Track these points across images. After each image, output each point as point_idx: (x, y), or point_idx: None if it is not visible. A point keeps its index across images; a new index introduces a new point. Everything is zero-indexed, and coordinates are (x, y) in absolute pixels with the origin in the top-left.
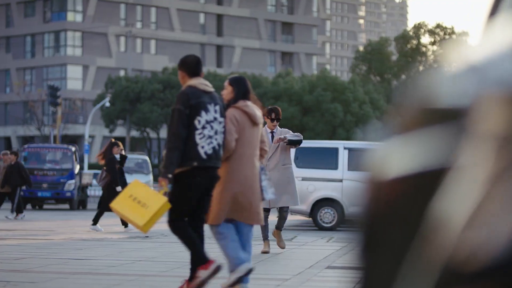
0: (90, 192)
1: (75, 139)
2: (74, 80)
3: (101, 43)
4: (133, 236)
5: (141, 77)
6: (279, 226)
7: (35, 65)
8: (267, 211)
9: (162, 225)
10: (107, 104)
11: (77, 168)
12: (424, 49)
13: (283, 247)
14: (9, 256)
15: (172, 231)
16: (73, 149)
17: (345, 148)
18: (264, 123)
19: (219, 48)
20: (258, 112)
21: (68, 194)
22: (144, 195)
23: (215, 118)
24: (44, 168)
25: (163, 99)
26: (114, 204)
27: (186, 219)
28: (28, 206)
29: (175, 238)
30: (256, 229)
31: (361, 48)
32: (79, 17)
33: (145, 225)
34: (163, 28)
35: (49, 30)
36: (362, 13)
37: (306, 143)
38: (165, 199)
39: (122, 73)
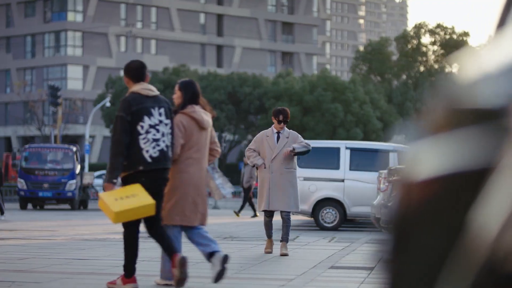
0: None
1: (76, 139)
2: (75, 80)
3: (102, 43)
4: None
5: None
6: (284, 237)
7: (36, 65)
8: (270, 214)
9: None
10: (108, 104)
11: (78, 168)
12: (424, 49)
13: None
14: (12, 256)
15: (124, 232)
16: (74, 149)
17: (346, 148)
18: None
19: (219, 48)
20: (205, 117)
21: (69, 194)
22: (123, 192)
23: (160, 121)
24: (45, 168)
25: None
26: (117, 209)
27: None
28: (29, 206)
29: None
30: (259, 229)
31: (361, 48)
32: (79, 17)
33: (153, 203)
34: (164, 28)
35: (50, 30)
36: (362, 13)
37: None
38: (137, 184)
39: (122, 73)
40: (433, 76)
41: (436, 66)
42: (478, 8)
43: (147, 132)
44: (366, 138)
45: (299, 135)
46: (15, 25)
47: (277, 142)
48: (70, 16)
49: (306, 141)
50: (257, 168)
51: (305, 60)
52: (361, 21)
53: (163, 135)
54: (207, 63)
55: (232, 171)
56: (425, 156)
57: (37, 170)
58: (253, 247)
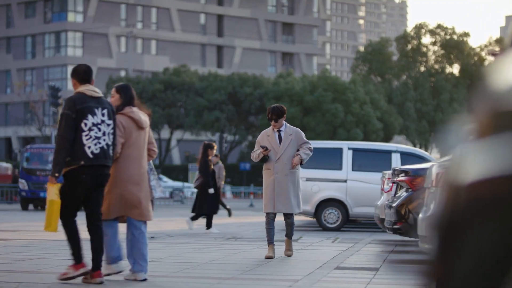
0: None
1: None
2: None
3: (102, 43)
4: None
5: (142, 77)
6: (288, 234)
7: (36, 66)
8: (273, 215)
9: (166, 226)
10: None
11: None
12: (425, 49)
13: (289, 255)
14: (17, 257)
15: (63, 225)
16: None
17: (349, 149)
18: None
19: (219, 48)
20: (143, 117)
21: None
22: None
23: (102, 121)
24: (46, 169)
25: (164, 100)
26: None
27: (75, 218)
28: (30, 206)
29: (181, 239)
30: (262, 230)
31: (361, 49)
32: (79, 18)
33: (46, 228)
34: (164, 29)
35: (50, 30)
36: (362, 13)
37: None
38: (50, 197)
39: (123, 73)
40: (433, 77)
41: (436, 66)
42: (479, 8)
43: (90, 129)
44: (366, 138)
45: (303, 134)
46: (16, 25)
47: (280, 141)
48: (71, 16)
49: (309, 142)
50: (263, 162)
51: (305, 61)
52: (361, 21)
53: (104, 134)
54: (208, 63)
55: (232, 172)
56: (473, 159)
57: (38, 170)
58: (258, 248)
